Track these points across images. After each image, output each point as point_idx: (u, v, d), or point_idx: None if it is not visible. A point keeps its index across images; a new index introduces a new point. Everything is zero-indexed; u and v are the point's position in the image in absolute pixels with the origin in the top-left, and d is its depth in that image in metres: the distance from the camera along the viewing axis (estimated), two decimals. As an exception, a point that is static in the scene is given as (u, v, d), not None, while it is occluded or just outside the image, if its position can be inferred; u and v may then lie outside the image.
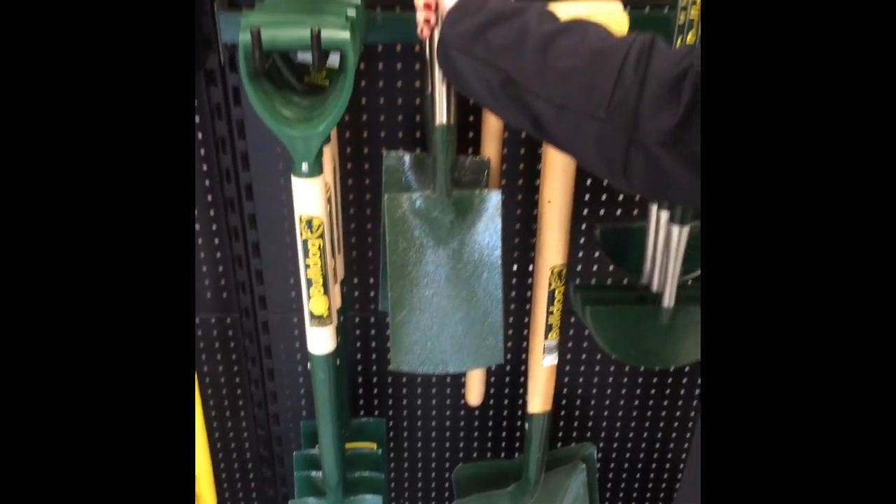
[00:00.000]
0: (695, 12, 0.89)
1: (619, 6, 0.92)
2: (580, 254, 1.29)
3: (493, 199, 1.04)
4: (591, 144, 0.72)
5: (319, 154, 0.93)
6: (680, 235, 1.02)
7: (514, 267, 1.30)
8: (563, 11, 0.89)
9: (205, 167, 1.20)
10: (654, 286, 1.08)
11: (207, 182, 1.21)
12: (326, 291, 1.01)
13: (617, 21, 0.90)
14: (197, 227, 1.24)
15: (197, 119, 1.15)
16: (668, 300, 1.07)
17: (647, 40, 0.68)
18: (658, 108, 0.65)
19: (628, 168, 0.70)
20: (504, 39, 0.75)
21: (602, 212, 1.25)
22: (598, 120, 0.69)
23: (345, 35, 0.84)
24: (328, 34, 0.83)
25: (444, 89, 0.95)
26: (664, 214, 1.03)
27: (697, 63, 0.63)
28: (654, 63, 0.66)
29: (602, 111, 0.68)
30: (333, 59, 0.93)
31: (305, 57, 0.94)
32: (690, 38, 0.89)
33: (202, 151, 1.18)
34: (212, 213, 1.24)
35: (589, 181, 1.22)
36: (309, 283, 1.00)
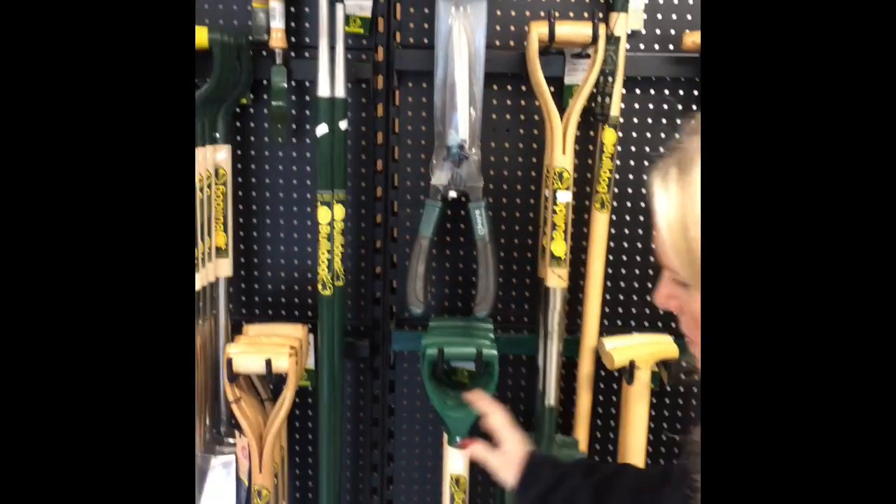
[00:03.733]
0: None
1: (669, 338, 1.38)
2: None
3: None
4: None
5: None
6: None
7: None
8: (628, 342, 1.36)
9: (360, 439, 1.61)
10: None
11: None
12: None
13: (670, 349, 1.36)
14: (344, 485, 1.62)
15: (361, 392, 1.59)
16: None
17: (669, 478, 0.98)
18: None
19: None
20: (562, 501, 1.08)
21: None
22: None
23: (495, 352, 1.30)
24: (486, 351, 1.30)
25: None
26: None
27: None
28: None
29: None
30: (467, 364, 1.38)
31: (458, 363, 1.40)
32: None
33: (348, 426, 1.60)
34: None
35: None
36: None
